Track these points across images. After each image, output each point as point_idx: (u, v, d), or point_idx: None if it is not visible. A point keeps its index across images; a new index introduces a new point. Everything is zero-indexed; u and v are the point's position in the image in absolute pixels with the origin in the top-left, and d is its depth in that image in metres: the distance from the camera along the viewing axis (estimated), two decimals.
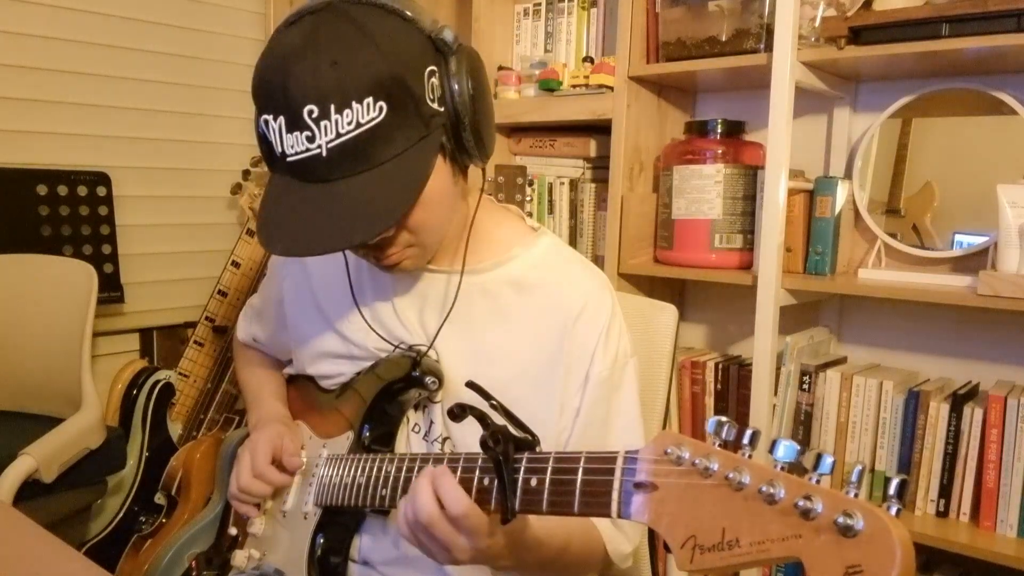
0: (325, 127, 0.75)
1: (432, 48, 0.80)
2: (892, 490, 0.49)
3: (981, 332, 1.56)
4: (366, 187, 0.77)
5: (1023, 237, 1.32)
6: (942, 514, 1.41)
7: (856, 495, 0.48)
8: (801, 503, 0.48)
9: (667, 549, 0.54)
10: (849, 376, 1.51)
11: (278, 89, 0.76)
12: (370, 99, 0.75)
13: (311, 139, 0.75)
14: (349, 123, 0.75)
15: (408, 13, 0.79)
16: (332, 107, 0.74)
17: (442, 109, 0.81)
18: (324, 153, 0.76)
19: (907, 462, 1.45)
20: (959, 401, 1.40)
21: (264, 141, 0.79)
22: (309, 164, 0.76)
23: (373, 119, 0.75)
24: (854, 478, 0.49)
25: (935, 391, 1.45)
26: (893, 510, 0.48)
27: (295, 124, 0.75)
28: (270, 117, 0.77)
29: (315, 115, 0.74)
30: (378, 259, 0.87)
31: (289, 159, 0.77)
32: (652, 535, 1.11)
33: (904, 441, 1.45)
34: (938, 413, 1.41)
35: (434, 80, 0.80)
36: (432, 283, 0.95)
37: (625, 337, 0.95)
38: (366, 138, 0.76)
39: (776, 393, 1.55)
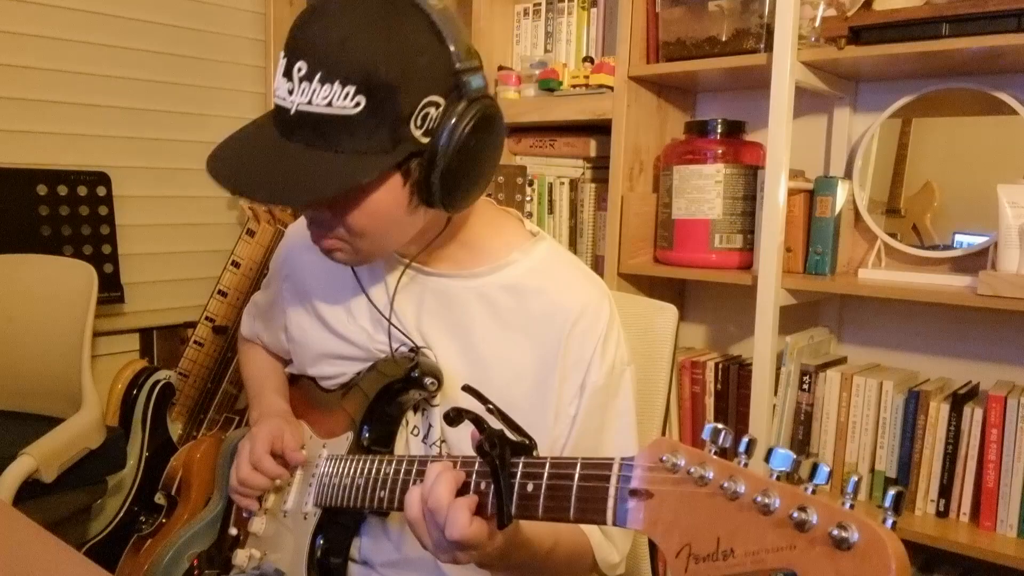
0: (304, 89, 0.76)
1: (451, 84, 0.78)
2: (888, 502, 0.48)
3: (981, 332, 1.56)
4: (312, 161, 0.77)
5: (1023, 237, 1.32)
6: (942, 514, 1.41)
7: (852, 506, 0.47)
8: (796, 514, 0.47)
9: None
10: (849, 376, 1.51)
11: (292, 32, 0.78)
12: (352, 88, 0.74)
13: (290, 92, 0.77)
14: (324, 98, 0.75)
15: (448, 40, 0.77)
16: (318, 75, 0.75)
17: (426, 141, 0.78)
18: (292, 112, 0.77)
19: (907, 462, 1.45)
20: (959, 401, 1.40)
21: None
22: (281, 113, 0.79)
23: (345, 108, 0.75)
24: (850, 489, 0.49)
25: (935, 391, 1.45)
26: (889, 523, 0.47)
27: (287, 72, 0.77)
28: (283, 53, 0.79)
29: (302, 73, 0.76)
30: (312, 238, 0.88)
31: (275, 98, 0.80)
32: None
33: (904, 441, 1.45)
34: (938, 413, 1.41)
35: (431, 111, 0.77)
36: (429, 287, 0.94)
37: (623, 345, 0.94)
38: (330, 121, 0.76)
39: (776, 393, 1.55)
